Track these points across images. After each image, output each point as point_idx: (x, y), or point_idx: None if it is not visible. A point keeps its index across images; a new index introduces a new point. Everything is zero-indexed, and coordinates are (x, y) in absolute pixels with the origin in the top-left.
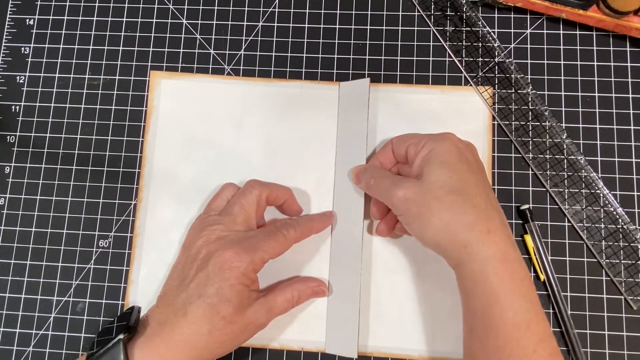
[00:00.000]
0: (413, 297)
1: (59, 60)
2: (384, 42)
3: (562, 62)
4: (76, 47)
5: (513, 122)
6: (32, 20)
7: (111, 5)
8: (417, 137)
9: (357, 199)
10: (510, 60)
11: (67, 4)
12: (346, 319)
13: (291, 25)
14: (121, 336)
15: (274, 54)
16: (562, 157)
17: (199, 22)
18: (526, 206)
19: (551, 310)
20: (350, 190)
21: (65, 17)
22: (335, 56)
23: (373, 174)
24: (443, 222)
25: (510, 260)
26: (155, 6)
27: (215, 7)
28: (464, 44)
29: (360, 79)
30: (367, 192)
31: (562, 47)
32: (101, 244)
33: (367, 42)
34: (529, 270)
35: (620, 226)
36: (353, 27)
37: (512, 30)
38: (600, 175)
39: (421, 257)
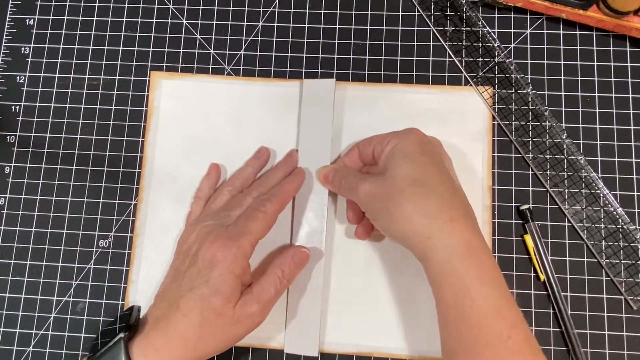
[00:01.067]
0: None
1: (59, 60)
2: (384, 42)
3: (562, 62)
4: (76, 47)
5: (513, 122)
6: (32, 20)
7: (111, 5)
8: (382, 136)
9: (319, 198)
10: (510, 60)
11: (67, 4)
12: (308, 319)
13: (291, 25)
14: (122, 335)
15: (274, 54)
16: (562, 157)
17: (199, 22)
18: (526, 206)
19: (551, 310)
20: (313, 189)
21: (65, 17)
22: (335, 56)
23: (343, 174)
24: (406, 213)
25: (475, 248)
26: (155, 6)
27: (215, 7)
28: (464, 44)
29: (326, 79)
30: (338, 193)
31: (562, 47)
32: (101, 244)
33: (367, 42)
34: (531, 267)
35: (620, 226)
36: (353, 27)
37: (512, 30)
38: (600, 175)
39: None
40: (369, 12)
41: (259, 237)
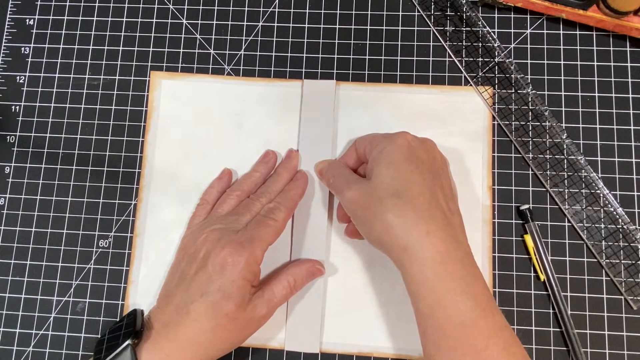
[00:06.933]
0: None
1: (59, 60)
2: (384, 42)
3: (562, 62)
4: (76, 47)
5: (513, 122)
6: (32, 20)
7: (111, 5)
8: (373, 137)
9: (320, 198)
10: (510, 60)
11: (67, 4)
12: (309, 316)
13: (291, 25)
14: (129, 341)
15: (274, 54)
16: (562, 157)
17: (199, 22)
18: (526, 206)
19: (551, 310)
20: (314, 190)
21: (65, 17)
22: (335, 56)
23: (334, 171)
24: (384, 224)
25: (451, 260)
26: (155, 6)
27: (215, 7)
28: (464, 44)
29: (326, 80)
30: (330, 190)
31: (562, 47)
32: (101, 244)
33: (367, 42)
34: (531, 267)
35: (620, 226)
36: (353, 27)
37: (512, 30)
38: (600, 175)
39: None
40: (369, 12)
41: (269, 243)
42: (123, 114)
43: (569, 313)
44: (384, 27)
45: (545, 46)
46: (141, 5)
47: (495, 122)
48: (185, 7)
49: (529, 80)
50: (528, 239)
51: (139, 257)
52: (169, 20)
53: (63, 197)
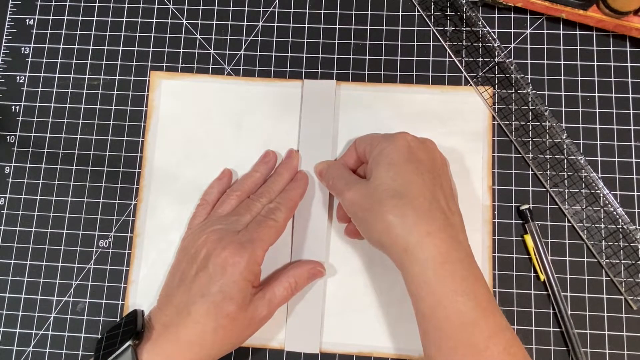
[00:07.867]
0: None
1: (59, 60)
2: (384, 42)
3: (562, 62)
4: (76, 47)
5: (513, 122)
6: (32, 20)
7: (111, 5)
8: (373, 137)
9: (321, 197)
10: (510, 60)
11: (67, 4)
12: (309, 316)
13: (291, 25)
14: (130, 342)
15: (274, 54)
16: (562, 157)
17: (199, 22)
18: (526, 206)
19: (551, 310)
20: (315, 190)
21: (65, 17)
22: (335, 56)
23: (333, 172)
24: (384, 225)
25: (451, 261)
26: (155, 6)
27: (215, 7)
28: (464, 44)
29: (327, 80)
30: (330, 191)
31: (562, 47)
32: (101, 244)
33: (367, 42)
34: (531, 267)
35: (620, 226)
36: (353, 27)
37: (512, 30)
38: (600, 175)
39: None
40: (369, 12)
41: (270, 244)
42: (123, 114)
43: (569, 313)
44: (384, 27)
45: (545, 46)
46: (141, 5)
47: (495, 122)
48: (185, 7)
49: (529, 80)
50: (528, 239)
51: (139, 257)
52: (169, 20)
53: (63, 197)
